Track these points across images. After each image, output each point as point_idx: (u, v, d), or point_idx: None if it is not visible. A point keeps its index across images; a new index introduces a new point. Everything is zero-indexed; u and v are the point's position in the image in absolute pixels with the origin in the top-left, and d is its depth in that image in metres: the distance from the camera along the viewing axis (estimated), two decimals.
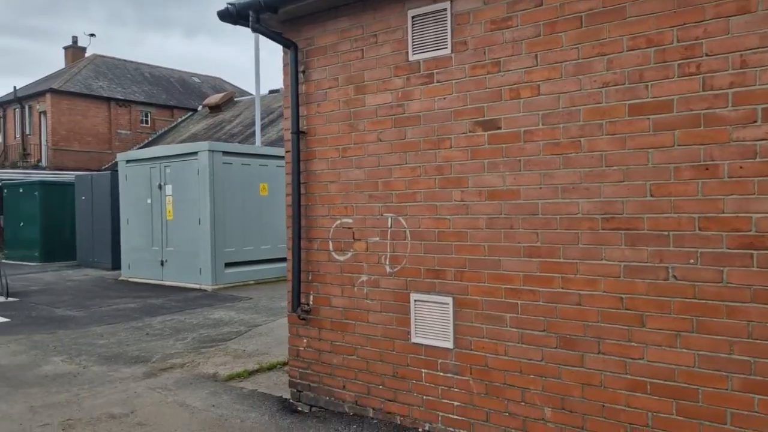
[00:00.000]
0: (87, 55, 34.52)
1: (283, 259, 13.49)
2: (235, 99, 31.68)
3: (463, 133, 4.20)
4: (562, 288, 3.80)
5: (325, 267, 5.01)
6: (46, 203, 17.90)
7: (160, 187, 12.92)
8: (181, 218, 12.57)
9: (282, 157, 13.60)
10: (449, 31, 4.24)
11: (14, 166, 28.75)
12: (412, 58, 4.45)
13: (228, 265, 12.31)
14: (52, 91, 28.50)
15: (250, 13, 4.90)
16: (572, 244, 3.76)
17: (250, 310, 9.66)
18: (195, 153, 12.30)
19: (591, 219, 3.70)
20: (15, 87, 31.10)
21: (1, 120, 31.86)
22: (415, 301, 4.47)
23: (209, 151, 12.09)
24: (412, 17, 4.42)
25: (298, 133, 5.09)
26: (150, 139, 31.16)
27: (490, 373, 4.11)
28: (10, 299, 10.93)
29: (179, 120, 32.53)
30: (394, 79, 4.55)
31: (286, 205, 5.21)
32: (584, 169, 3.71)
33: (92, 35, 39.14)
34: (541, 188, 3.88)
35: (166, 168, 12.85)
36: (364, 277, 4.76)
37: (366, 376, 4.76)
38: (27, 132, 30.20)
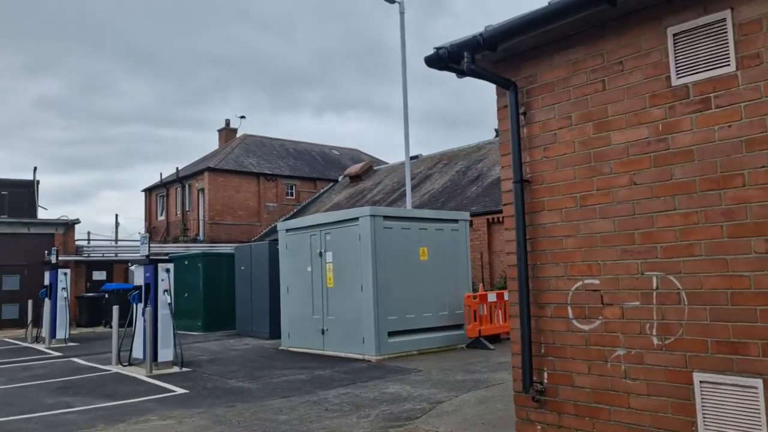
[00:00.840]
0: (238, 135, 37.17)
1: (445, 328, 12.84)
2: (374, 168, 32.33)
3: (763, 166, 3.32)
4: None
5: (563, 338, 4.21)
6: (207, 274, 18.68)
7: (320, 254, 12.84)
8: (341, 285, 12.32)
9: (441, 220, 13.18)
10: (731, 44, 3.46)
11: (175, 240, 30.96)
12: (676, 82, 3.69)
13: (390, 334, 11.77)
14: (209, 169, 30.70)
15: (465, 53, 4.45)
16: None
17: (425, 384, 8.92)
18: (356, 219, 12.12)
19: None
20: (177, 168, 33.94)
21: (165, 199, 34.73)
22: (700, 382, 3.52)
23: (370, 216, 11.85)
24: (674, 35, 3.70)
25: (521, 182, 4.45)
26: (295, 210, 32.38)
27: None
28: (184, 369, 11.08)
29: (321, 191, 33.67)
30: (651, 109, 3.80)
31: (508, 266, 4.53)
32: None
33: (242, 117, 42.23)
34: None
35: (326, 235, 12.78)
36: (620, 351, 3.89)
37: None
38: (187, 208, 32.57)
